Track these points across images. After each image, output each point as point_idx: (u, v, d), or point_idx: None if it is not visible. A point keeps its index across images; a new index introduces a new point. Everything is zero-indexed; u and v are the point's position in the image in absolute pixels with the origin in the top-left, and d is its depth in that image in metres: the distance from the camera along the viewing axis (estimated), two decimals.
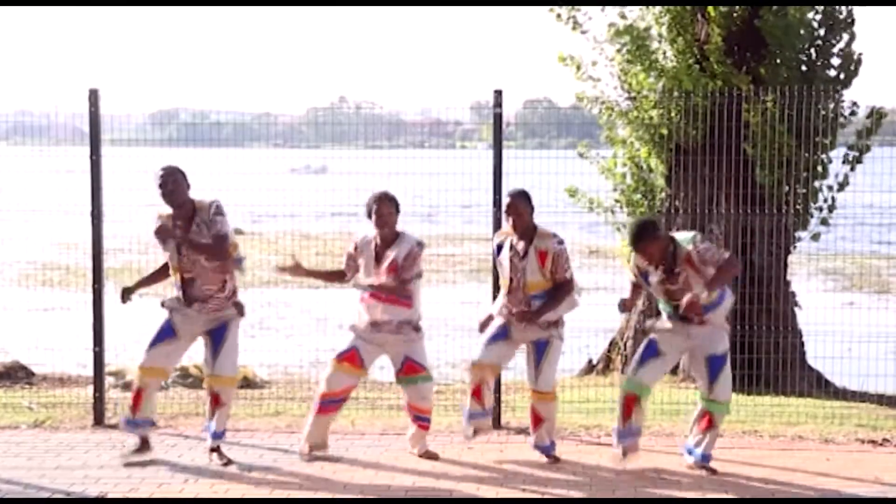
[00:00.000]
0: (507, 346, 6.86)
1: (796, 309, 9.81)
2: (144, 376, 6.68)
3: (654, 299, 6.87)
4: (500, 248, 6.82)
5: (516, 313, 6.69)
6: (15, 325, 12.33)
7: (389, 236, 6.71)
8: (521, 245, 6.71)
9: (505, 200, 6.75)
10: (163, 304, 6.72)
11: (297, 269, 6.90)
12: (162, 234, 6.54)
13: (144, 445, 6.80)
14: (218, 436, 6.78)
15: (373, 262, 6.72)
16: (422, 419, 6.92)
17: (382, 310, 6.70)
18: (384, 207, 6.68)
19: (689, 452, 6.71)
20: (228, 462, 6.73)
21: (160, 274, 6.86)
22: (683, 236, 6.52)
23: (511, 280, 6.72)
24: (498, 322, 6.86)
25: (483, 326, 6.96)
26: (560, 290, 6.67)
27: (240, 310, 6.77)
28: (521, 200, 6.69)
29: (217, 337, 6.67)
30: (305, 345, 10.64)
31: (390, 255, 6.68)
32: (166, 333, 6.68)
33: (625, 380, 6.73)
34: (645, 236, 6.35)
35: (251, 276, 14.47)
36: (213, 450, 6.80)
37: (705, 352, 6.54)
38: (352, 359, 6.76)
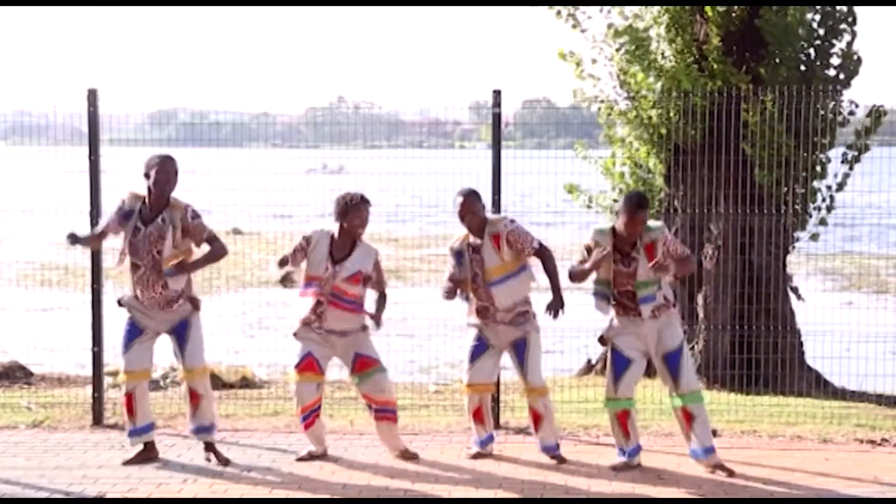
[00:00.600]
0: (492, 357, 6.85)
1: (798, 303, 9.78)
2: (130, 380, 6.68)
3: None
4: (460, 254, 6.76)
5: (550, 306, 6.65)
6: (13, 326, 12.32)
7: (353, 241, 6.66)
8: (475, 240, 6.71)
9: (457, 200, 6.69)
10: (120, 303, 6.72)
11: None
12: (183, 268, 6.57)
13: (149, 450, 6.81)
14: (206, 429, 6.76)
15: (326, 261, 6.61)
16: (387, 411, 6.81)
17: (339, 317, 6.65)
18: (365, 211, 6.65)
19: (695, 456, 6.65)
20: (227, 462, 6.72)
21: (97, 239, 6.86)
22: (653, 223, 6.56)
23: (475, 276, 6.70)
24: (472, 334, 6.84)
25: (449, 294, 6.78)
26: (546, 261, 6.67)
27: (195, 304, 6.74)
28: (474, 199, 6.73)
29: (180, 334, 6.69)
30: None
31: (353, 262, 6.61)
32: (134, 333, 6.68)
33: (606, 400, 6.70)
34: (644, 204, 6.44)
35: (250, 277, 14.47)
36: (208, 449, 6.79)
37: (660, 350, 6.53)
38: (311, 366, 6.68)
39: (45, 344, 9.95)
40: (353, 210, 6.61)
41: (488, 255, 6.65)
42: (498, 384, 7.63)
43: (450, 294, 6.75)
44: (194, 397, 6.73)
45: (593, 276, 6.59)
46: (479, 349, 6.81)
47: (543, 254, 6.68)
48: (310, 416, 6.74)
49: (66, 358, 9.92)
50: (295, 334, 6.78)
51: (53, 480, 6.39)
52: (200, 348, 6.74)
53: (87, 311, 7.87)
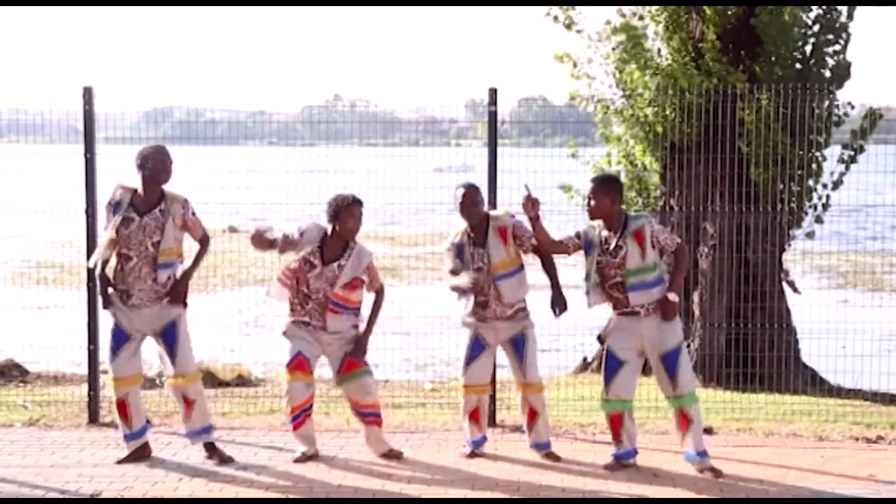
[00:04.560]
0: (488, 357, 6.87)
1: (794, 301, 9.77)
2: (121, 386, 6.64)
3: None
4: (461, 248, 6.74)
5: (555, 303, 6.68)
6: (9, 324, 12.31)
7: (346, 242, 6.64)
8: (477, 234, 6.71)
9: (458, 193, 6.70)
10: (105, 305, 6.62)
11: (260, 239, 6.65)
12: (179, 288, 6.56)
13: (143, 448, 6.79)
14: (203, 432, 6.72)
15: (314, 258, 6.59)
16: (371, 415, 6.80)
17: (337, 321, 6.67)
18: (357, 211, 6.61)
19: (689, 459, 6.65)
20: (229, 459, 6.71)
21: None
22: (636, 214, 6.68)
23: (479, 269, 6.68)
24: (467, 333, 6.82)
25: (459, 290, 6.76)
26: (546, 259, 6.76)
27: (183, 300, 6.66)
28: (476, 192, 6.75)
29: (169, 336, 6.60)
30: None
31: (349, 269, 6.60)
32: (120, 339, 6.61)
33: (601, 401, 6.69)
34: (605, 183, 6.56)
35: (246, 275, 14.45)
36: (208, 447, 6.77)
37: (658, 350, 6.49)
38: (301, 366, 6.64)
39: (40, 342, 9.94)
40: (344, 211, 6.58)
41: (495, 248, 6.67)
42: (494, 382, 7.63)
43: (467, 288, 6.73)
44: (188, 403, 6.65)
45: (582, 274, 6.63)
46: (476, 350, 6.80)
47: (544, 251, 6.76)
48: (300, 416, 6.72)
49: (62, 356, 9.91)
50: (285, 333, 6.75)
51: (49, 479, 6.39)
52: (191, 351, 6.68)
53: (83, 309, 7.86)
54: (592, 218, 6.53)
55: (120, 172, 7.52)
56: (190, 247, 6.78)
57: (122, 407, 6.68)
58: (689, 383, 6.54)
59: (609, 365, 6.59)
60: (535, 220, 6.56)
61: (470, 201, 6.69)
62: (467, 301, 6.78)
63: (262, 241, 6.59)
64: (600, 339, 6.69)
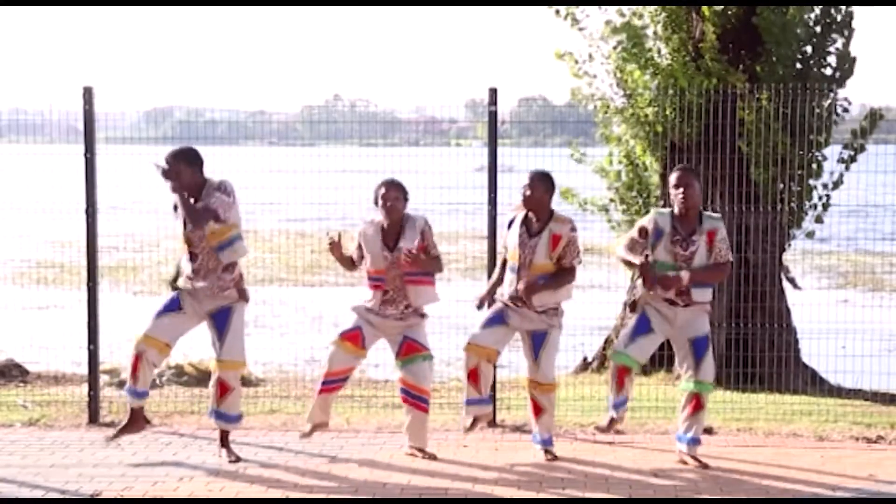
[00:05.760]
0: (504, 332, 6.80)
1: (794, 302, 9.78)
2: (144, 343, 6.54)
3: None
4: (511, 223, 6.77)
5: (522, 287, 6.58)
6: (9, 324, 12.31)
7: (397, 222, 6.70)
8: (535, 224, 6.69)
9: (527, 175, 6.71)
10: (174, 289, 6.67)
11: (335, 248, 6.79)
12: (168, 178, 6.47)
13: (136, 420, 6.76)
14: (231, 419, 6.74)
15: (382, 252, 6.66)
16: (422, 400, 6.75)
17: (417, 292, 6.68)
18: (391, 192, 6.66)
19: (680, 440, 6.74)
20: (237, 459, 6.71)
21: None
22: (712, 214, 6.76)
23: (519, 256, 6.69)
24: (496, 306, 6.83)
25: (481, 304, 6.90)
26: (562, 275, 6.67)
27: (243, 295, 6.74)
28: (542, 180, 6.68)
29: (220, 321, 6.65)
30: (300, 343, 10.64)
31: (406, 241, 6.64)
32: (173, 306, 6.62)
33: (615, 352, 6.75)
34: (693, 171, 6.66)
35: (246, 275, 14.43)
36: (223, 444, 6.77)
37: (689, 335, 6.61)
38: (354, 338, 6.70)
39: (41, 342, 9.93)
40: (380, 195, 6.68)
41: (541, 251, 6.64)
42: (494, 382, 7.63)
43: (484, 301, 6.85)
44: (224, 388, 6.66)
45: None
46: (495, 320, 6.76)
47: (568, 272, 6.69)
48: (333, 384, 6.77)
49: (62, 356, 9.90)
50: (354, 308, 6.77)
51: (49, 479, 6.39)
52: (240, 341, 6.70)
53: (83, 309, 7.86)
54: (688, 208, 6.54)
55: (120, 172, 7.53)
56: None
57: (136, 362, 6.58)
58: (710, 372, 6.65)
59: (639, 324, 6.65)
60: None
61: (530, 185, 6.63)
62: (505, 278, 6.78)
63: (342, 258, 6.75)
64: (634, 305, 6.72)
